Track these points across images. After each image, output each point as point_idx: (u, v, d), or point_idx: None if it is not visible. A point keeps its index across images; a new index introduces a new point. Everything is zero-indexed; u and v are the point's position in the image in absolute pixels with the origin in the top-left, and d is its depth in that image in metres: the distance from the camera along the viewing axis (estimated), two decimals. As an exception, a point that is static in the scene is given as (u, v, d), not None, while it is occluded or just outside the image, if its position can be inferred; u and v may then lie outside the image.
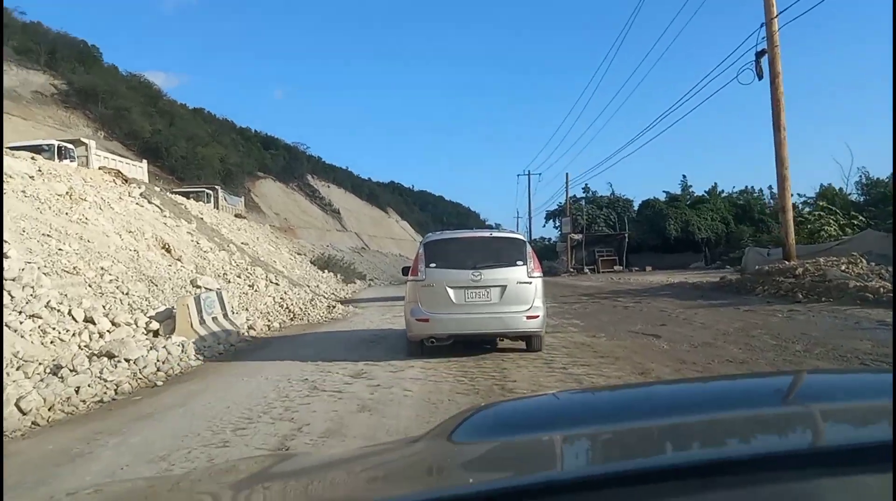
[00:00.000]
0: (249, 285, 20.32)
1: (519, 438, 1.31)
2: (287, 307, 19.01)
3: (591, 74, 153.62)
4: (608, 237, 47.93)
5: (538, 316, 9.06)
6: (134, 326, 10.48)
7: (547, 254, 52.84)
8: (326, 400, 6.93)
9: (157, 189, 30.53)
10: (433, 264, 9.24)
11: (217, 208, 44.16)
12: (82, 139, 33.43)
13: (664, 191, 51.90)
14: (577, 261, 45.59)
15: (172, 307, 11.81)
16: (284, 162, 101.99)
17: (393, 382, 7.77)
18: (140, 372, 8.69)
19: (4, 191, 14.74)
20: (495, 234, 10.42)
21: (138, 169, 36.35)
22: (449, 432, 1.37)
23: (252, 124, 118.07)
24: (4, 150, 19.21)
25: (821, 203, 35.01)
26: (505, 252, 9.37)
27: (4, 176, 15.91)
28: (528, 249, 9.60)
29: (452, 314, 9.00)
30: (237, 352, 11.74)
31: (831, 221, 27.12)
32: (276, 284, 24.22)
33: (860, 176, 34.94)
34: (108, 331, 9.65)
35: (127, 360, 8.71)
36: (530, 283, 9.13)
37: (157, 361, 9.13)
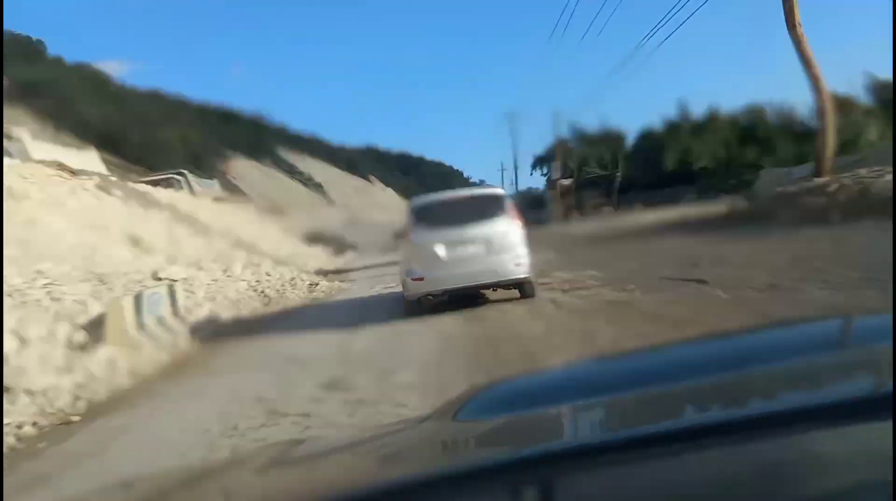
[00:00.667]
0: (223, 271, 18.01)
1: (523, 414, 1.31)
2: (262, 292, 16.75)
3: None
4: (598, 179, 45.10)
5: (524, 262, 9.48)
6: (51, 340, 8.16)
7: (537, 204, 50.53)
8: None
9: (114, 179, 27.96)
10: (422, 226, 9.62)
11: (193, 194, 41.57)
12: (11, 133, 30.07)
13: (664, 119, 46.85)
14: (568, 208, 43.27)
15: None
16: (250, 135, 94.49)
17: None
18: (50, 405, 6.45)
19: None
20: (476, 192, 10.77)
21: (87, 158, 33.49)
22: (454, 411, 1.39)
23: (208, 99, 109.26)
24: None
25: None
26: (487, 208, 9.72)
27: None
28: (508, 202, 10.08)
29: (445, 270, 9.32)
30: (186, 361, 9.47)
31: (871, 123, 23.79)
32: (258, 264, 22.00)
33: (868, 81, 31.78)
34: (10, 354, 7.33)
35: (29, 392, 6.45)
36: (513, 233, 9.54)
37: (75, 386, 6.87)
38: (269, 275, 20.95)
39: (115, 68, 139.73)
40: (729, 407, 1.14)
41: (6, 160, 24.74)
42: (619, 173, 42.85)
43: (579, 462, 0.88)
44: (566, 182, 42.90)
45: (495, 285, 9.92)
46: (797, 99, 44.88)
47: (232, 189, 79.27)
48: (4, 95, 60.27)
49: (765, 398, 1.16)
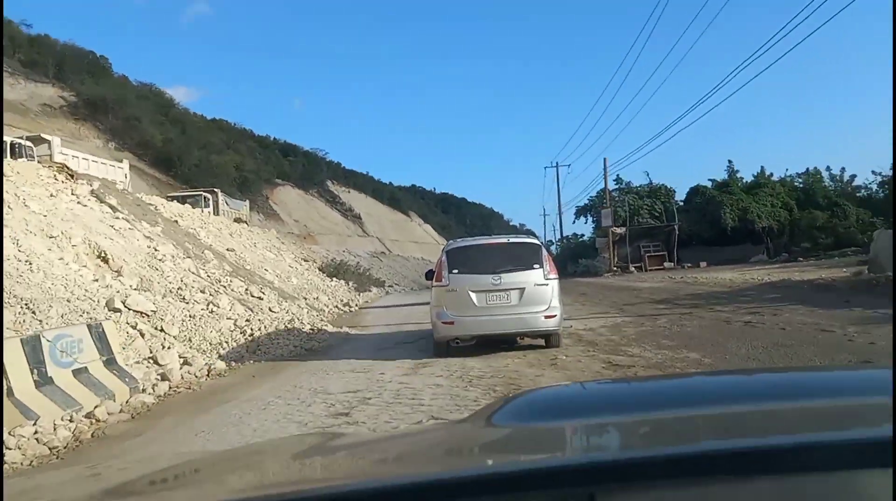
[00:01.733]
0: (208, 304, 14.57)
1: (555, 423, 1.32)
2: (250, 334, 13.24)
3: (620, 58, 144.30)
4: (654, 230, 40.84)
5: (555, 316, 9.41)
6: None
7: (582, 252, 46.56)
8: None
9: (124, 189, 24.97)
10: (455, 271, 9.60)
11: (217, 213, 38.75)
12: (43, 136, 28.00)
13: (709, 179, 45.02)
14: (621, 258, 39.17)
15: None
16: (304, 168, 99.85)
17: None
18: None
19: None
20: (512, 240, 10.33)
21: (117, 170, 30.86)
22: (489, 415, 1.39)
23: (271, 133, 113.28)
24: None
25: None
26: (522, 256, 9.63)
27: None
28: (544, 252, 9.91)
29: (476, 316, 9.35)
30: (102, 437, 6.10)
31: None
32: (259, 298, 18.58)
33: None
34: None
35: None
36: (547, 285, 9.45)
37: None
38: (271, 312, 17.54)
39: (183, 94, 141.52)
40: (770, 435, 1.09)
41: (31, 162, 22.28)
42: (677, 225, 38.70)
43: (621, 476, 0.87)
44: (619, 230, 38.83)
45: (523, 335, 10.10)
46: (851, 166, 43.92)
47: (269, 214, 79.82)
48: (69, 109, 61.13)
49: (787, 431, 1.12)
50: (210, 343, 12.32)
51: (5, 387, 6.24)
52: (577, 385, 2.27)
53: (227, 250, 24.17)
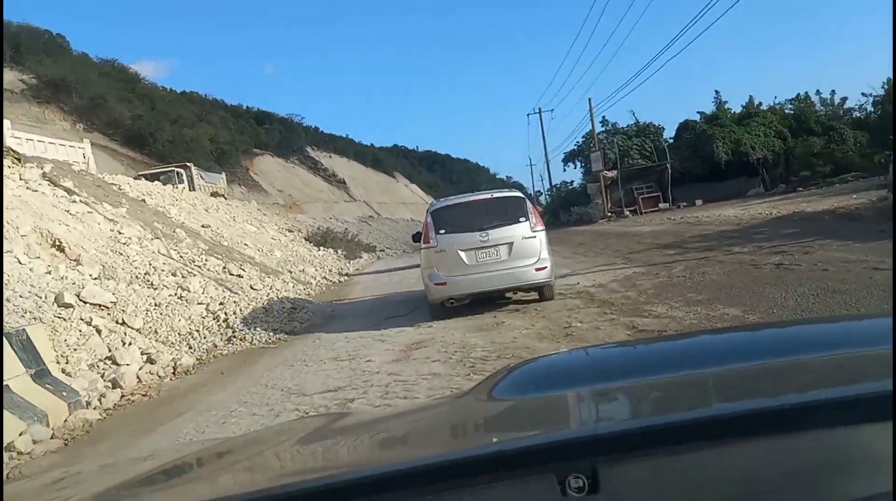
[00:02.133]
0: (178, 288, 13.19)
1: (557, 393, 1.31)
2: (225, 319, 11.90)
3: None
4: (646, 171, 38.90)
5: (546, 267, 9.34)
6: None
7: (574, 199, 45.08)
8: None
9: (80, 171, 23.25)
10: (442, 231, 9.48)
11: (192, 188, 37.01)
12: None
13: (697, 112, 43.16)
14: (614, 203, 37.69)
15: None
16: (281, 136, 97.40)
17: None
18: None
19: None
20: (496, 194, 10.12)
21: (77, 150, 28.98)
22: (490, 388, 1.38)
23: (244, 102, 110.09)
24: None
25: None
26: (507, 211, 9.57)
27: None
28: (529, 205, 9.84)
29: (467, 275, 9.24)
30: (18, 478, 4.91)
31: None
32: (239, 276, 17.25)
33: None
34: None
35: None
36: (535, 237, 9.39)
37: None
38: (253, 289, 16.22)
39: (150, 69, 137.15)
40: (762, 397, 1.09)
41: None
42: (669, 163, 37.19)
43: (623, 447, 0.87)
44: (610, 174, 37.21)
45: (516, 290, 9.97)
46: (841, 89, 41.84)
47: (252, 186, 78.26)
48: (31, 93, 58.80)
49: (792, 390, 1.12)
50: (179, 334, 11.00)
51: None
52: (581, 351, 2.22)
53: (203, 226, 22.66)
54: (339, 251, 32.56)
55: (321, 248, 32.37)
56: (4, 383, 6.16)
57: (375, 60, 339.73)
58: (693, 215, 25.55)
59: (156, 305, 11.85)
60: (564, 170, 55.72)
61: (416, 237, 10.30)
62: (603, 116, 43.81)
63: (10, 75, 58.08)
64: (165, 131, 61.80)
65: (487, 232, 9.27)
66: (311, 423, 1.87)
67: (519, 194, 10.38)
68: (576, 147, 47.36)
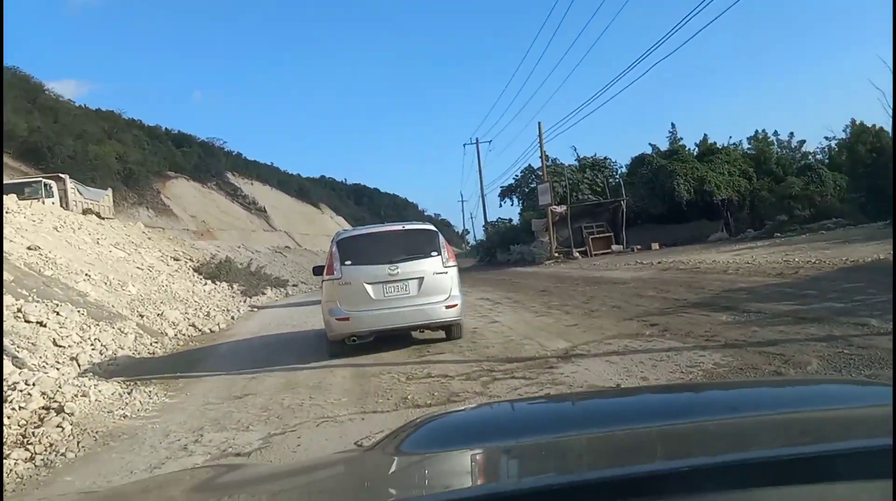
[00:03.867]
0: None
1: (465, 449, 1.24)
2: None
3: (538, 26, 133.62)
4: (598, 208, 33.89)
5: (456, 305, 8.85)
6: None
7: (514, 237, 39.83)
8: None
9: None
10: (348, 262, 8.78)
11: (64, 205, 29.86)
12: None
13: (650, 143, 38.51)
14: (560, 242, 32.61)
15: None
16: (199, 159, 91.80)
17: None
18: None
19: None
20: (407, 227, 9.45)
21: None
22: (398, 443, 1.31)
23: (166, 124, 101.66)
24: None
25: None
26: (419, 244, 9.01)
27: None
28: (441, 239, 9.24)
29: (373, 310, 8.60)
30: None
31: None
32: (40, 322, 11.05)
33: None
34: None
35: None
36: (446, 273, 8.89)
37: None
38: (57, 345, 10.08)
39: (72, 89, 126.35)
40: (677, 455, 1.06)
41: None
42: (624, 200, 32.35)
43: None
44: (559, 209, 31.95)
45: (424, 327, 9.20)
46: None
47: (161, 210, 72.39)
48: None
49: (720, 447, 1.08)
50: None
51: None
52: (486, 407, 2.12)
53: (29, 248, 15.95)
54: (235, 286, 26.04)
55: (214, 281, 25.81)
56: None
57: (307, 90, 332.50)
58: (669, 260, 20.42)
59: None
60: (500, 205, 50.78)
61: (318, 271, 9.82)
62: (543, 152, 39.10)
63: None
64: (66, 146, 55.43)
65: (397, 265, 8.69)
66: (199, 474, 1.61)
67: (432, 227, 9.62)
68: (514, 181, 42.48)
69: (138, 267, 20.36)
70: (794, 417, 1.19)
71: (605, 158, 36.88)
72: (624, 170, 36.41)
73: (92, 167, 54.83)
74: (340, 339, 8.81)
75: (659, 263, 19.66)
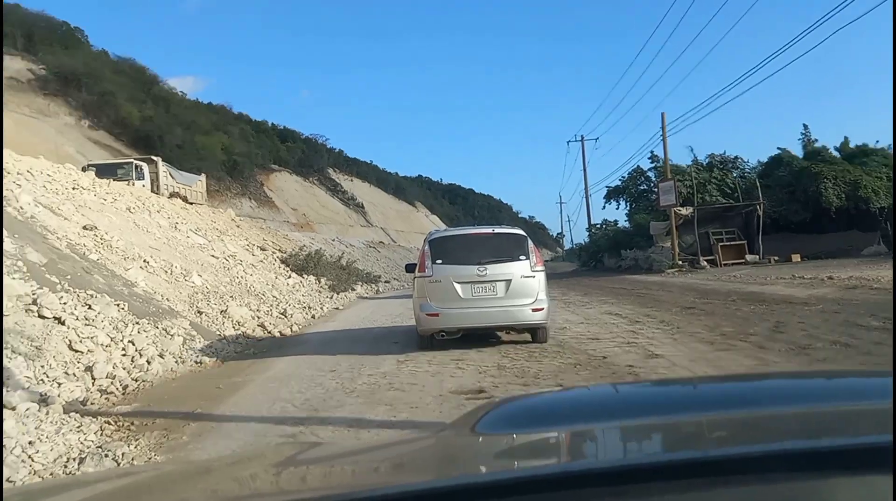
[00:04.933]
0: None
1: (540, 431, 1.25)
2: None
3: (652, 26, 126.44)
4: (728, 212, 29.47)
5: (543, 309, 8.86)
6: None
7: (623, 241, 35.81)
8: None
9: None
10: (439, 261, 9.01)
11: (156, 188, 28.50)
12: None
13: (778, 148, 33.82)
14: (684, 249, 28.49)
15: None
16: (302, 154, 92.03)
17: None
18: None
19: None
20: (497, 230, 9.56)
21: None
22: (473, 423, 1.31)
23: (272, 120, 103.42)
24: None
25: None
26: (508, 248, 9.13)
27: None
28: (530, 244, 9.34)
29: (461, 309, 8.79)
30: None
31: None
32: (58, 319, 8.55)
33: None
34: None
35: None
36: (534, 277, 8.92)
37: None
38: (72, 350, 7.49)
39: (190, 84, 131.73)
40: (746, 443, 1.03)
41: None
42: (761, 204, 27.78)
43: (600, 485, 0.82)
44: (684, 211, 27.83)
45: (510, 329, 9.41)
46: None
47: (264, 202, 72.80)
48: (38, 84, 53.39)
49: (778, 437, 1.07)
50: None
51: None
52: (563, 391, 2.07)
53: (85, 228, 13.77)
54: (323, 281, 23.58)
55: (301, 274, 23.47)
56: None
57: (406, 92, 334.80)
58: (840, 275, 16.18)
59: None
60: (603, 207, 46.71)
61: (410, 268, 10.14)
62: (651, 152, 34.71)
63: (18, 64, 53.50)
64: (175, 135, 55.99)
65: (486, 267, 8.79)
66: (284, 450, 1.64)
67: (521, 231, 9.65)
68: (621, 183, 38.19)
69: (213, 255, 18.06)
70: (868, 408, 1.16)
71: (736, 157, 32.13)
72: (748, 171, 31.58)
73: (199, 157, 54.88)
74: (429, 334, 9.02)
75: (830, 278, 15.49)
